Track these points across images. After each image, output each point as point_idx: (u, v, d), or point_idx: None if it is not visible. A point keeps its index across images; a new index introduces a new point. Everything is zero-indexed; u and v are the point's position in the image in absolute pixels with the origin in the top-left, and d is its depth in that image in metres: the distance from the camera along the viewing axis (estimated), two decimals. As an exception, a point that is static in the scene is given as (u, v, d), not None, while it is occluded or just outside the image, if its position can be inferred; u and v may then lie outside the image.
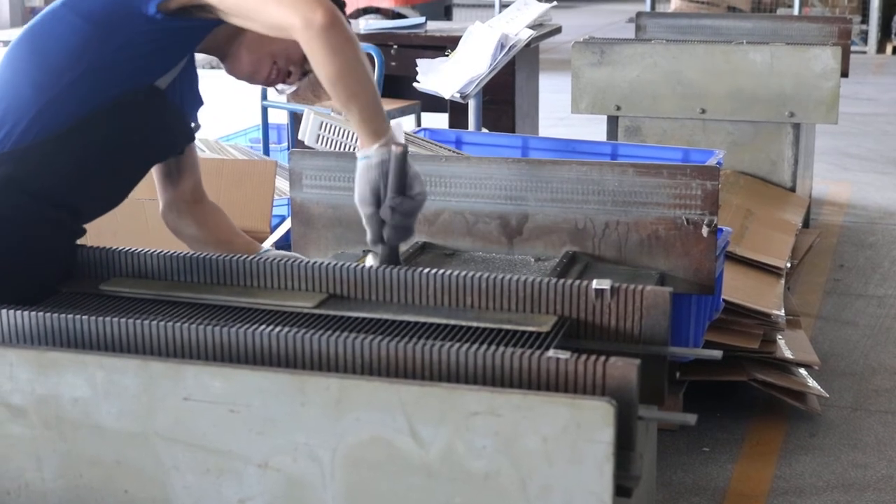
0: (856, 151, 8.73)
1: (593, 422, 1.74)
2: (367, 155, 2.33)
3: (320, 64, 2.26)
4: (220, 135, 7.06)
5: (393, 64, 7.00)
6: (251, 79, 2.56)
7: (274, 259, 2.38)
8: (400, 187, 2.33)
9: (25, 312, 2.10)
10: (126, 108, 2.37)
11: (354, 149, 3.77)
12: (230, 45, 2.50)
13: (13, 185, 2.30)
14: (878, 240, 6.51)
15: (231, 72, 2.56)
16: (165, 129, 2.49)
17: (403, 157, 2.33)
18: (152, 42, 2.35)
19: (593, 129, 7.16)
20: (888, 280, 5.82)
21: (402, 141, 2.38)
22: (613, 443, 1.74)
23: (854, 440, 4.10)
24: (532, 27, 5.89)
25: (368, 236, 2.39)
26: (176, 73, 2.46)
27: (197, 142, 6.61)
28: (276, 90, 2.63)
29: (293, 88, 2.57)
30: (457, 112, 6.81)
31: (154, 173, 2.69)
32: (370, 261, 2.45)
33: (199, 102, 2.60)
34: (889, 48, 14.32)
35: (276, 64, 2.52)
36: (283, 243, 3.88)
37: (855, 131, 9.29)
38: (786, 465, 3.92)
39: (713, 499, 3.71)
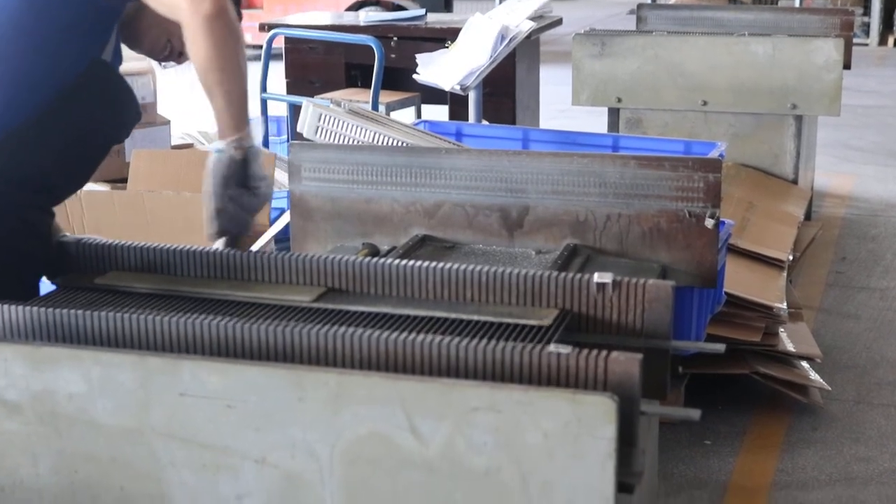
0: (858, 144, 8.71)
1: (595, 417, 1.71)
2: (220, 149, 2.37)
3: (195, 49, 2.31)
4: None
5: (393, 56, 6.97)
6: (148, 53, 2.62)
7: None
8: (242, 182, 2.38)
9: (20, 307, 2.08)
10: (86, 88, 2.40)
11: (354, 141, 3.75)
12: (135, 19, 2.54)
13: None
14: (880, 232, 6.48)
15: (129, 43, 2.60)
16: (124, 107, 2.53)
17: (250, 157, 2.38)
18: (91, 18, 2.40)
19: (594, 121, 7.14)
20: (890, 272, 5.80)
21: (259, 141, 2.42)
22: (616, 439, 1.71)
23: (857, 433, 4.08)
24: (533, 19, 5.86)
25: (208, 228, 2.42)
26: (113, 42, 2.50)
27: (196, 135, 6.59)
28: (161, 65, 2.68)
29: (175, 66, 2.65)
30: (457, 104, 6.79)
31: None
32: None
33: (120, 61, 2.62)
34: (891, 40, 14.28)
35: (171, 42, 2.57)
36: (283, 236, 3.86)
37: (857, 123, 9.26)
38: (788, 459, 3.90)
39: (715, 492, 3.69)
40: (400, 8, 11.78)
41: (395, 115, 6.27)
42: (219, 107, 2.35)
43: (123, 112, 2.53)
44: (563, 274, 2.22)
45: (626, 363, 1.82)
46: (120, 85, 2.50)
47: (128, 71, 2.93)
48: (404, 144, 3.61)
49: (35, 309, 2.08)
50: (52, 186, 2.44)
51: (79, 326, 2.06)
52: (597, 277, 2.18)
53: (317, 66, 7.49)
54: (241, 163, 2.36)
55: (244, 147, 2.36)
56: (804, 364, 4.38)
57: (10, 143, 2.33)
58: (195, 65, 2.34)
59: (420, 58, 5.47)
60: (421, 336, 1.93)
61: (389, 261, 2.31)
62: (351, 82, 7.42)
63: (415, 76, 5.48)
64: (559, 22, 7.27)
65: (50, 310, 2.08)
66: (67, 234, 2.63)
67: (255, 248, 3.59)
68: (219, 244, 2.44)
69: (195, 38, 2.28)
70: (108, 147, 2.56)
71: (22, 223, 2.38)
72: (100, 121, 2.47)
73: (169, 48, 2.57)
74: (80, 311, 2.06)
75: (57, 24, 2.36)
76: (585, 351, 1.85)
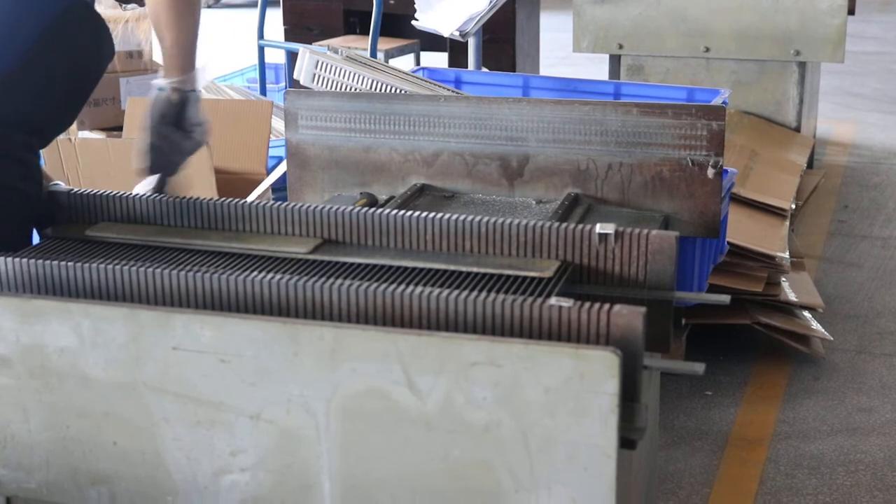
0: (860, 91, 8.64)
1: (597, 372, 1.67)
2: (161, 87, 2.41)
3: None
4: (217, 75, 6.96)
5: (391, 2, 6.89)
6: None
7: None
8: (177, 123, 2.41)
9: (9, 258, 2.03)
10: (70, 29, 2.38)
11: (351, 88, 3.69)
12: None
13: None
14: (882, 180, 6.44)
15: None
16: (103, 46, 2.51)
17: (188, 100, 2.41)
18: None
19: (595, 68, 7.07)
20: (893, 221, 5.76)
21: (201, 86, 2.48)
22: (618, 394, 1.67)
23: (858, 383, 4.06)
24: (533, -37, 5.79)
25: (137, 162, 2.45)
26: None
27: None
28: (122, 7, 2.67)
29: (136, 8, 2.62)
30: (456, 51, 6.72)
31: None
32: (140, 188, 2.51)
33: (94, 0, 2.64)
34: (894, -15, 14.16)
35: None
36: (280, 185, 3.82)
37: (859, 70, 9.19)
38: (789, 409, 3.88)
39: (716, 443, 3.67)
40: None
41: (393, 62, 6.20)
42: (166, 47, 2.38)
43: (102, 48, 2.51)
44: (564, 224, 2.17)
45: (629, 316, 1.78)
46: (98, 22, 2.48)
47: (121, 17, 2.89)
48: (403, 92, 3.55)
49: (24, 260, 2.03)
50: (42, 127, 2.42)
51: (69, 278, 2.01)
52: (599, 228, 2.13)
53: (315, 12, 7.41)
54: (177, 104, 2.39)
55: (184, 90, 2.39)
56: (806, 314, 4.36)
57: (8, 84, 2.30)
58: (148, 3, 2.35)
59: (419, 3, 5.40)
60: (419, 288, 1.88)
61: (387, 211, 2.26)
62: (349, 29, 7.34)
63: (413, 22, 5.41)
64: (559, -33, 7.19)
65: (39, 261, 2.03)
66: (60, 183, 2.59)
67: (251, 197, 3.55)
68: (146, 182, 2.45)
69: None
70: (93, 84, 2.54)
71: (20, 164, 2.35)
72: (85, 58, 2.45)
73: None
74: (69, 263, 2.02)
75: None
76: (587, 304, 1.81)
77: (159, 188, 2.46)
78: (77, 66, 2.43)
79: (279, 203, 2.33)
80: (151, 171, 2.43)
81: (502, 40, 6.83)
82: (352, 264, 2.18)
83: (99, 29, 2.46)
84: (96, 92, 2.63)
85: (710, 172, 2.69)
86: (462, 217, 2.21)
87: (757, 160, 5.24)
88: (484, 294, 1.86)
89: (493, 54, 6.61)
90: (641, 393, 1.80)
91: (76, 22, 2.39)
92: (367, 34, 6.33)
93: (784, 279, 4.35)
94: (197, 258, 2.20)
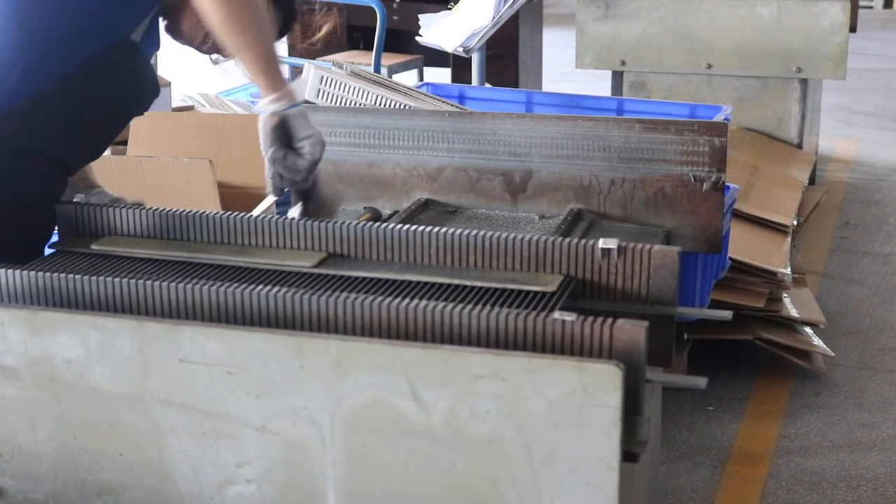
0: (862, 108, 8.66)
1: (600, 386, 1.69)
2: (261, 111, 2.34)
3: (207, 18, 2.25)
4: (221, 90, 6.99)
5: (395, 18, 6.92)
6: (188, 43, 2.54)
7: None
8: (286, 142, 2.33)
9: (17, 271, 2.05)
10: (109, 66, 2.34)
11: (355, 104, 3.72)
12: (177, 8, 2.47)
13: (8, 144, 2.28)
14: (884, 197, 6.45)
15: (170, 32, 2.53)
16: (141, 84, 2.47)
17: (288, 116, 2.32)
18: None
19: (597, 84, 7.09)
20: (894, 237, 5.77)
21: (303, 98, 2.38)
22: (621, 407, 1.69)
23: (859, 399, 4.06)
24: (536, -20, 5.82)
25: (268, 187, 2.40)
26: (147, 24, 2.42)
27: (198, 96, 6.57)
28: (211, 59, 2.62)
29: (228, 60, 2.54)
30: (460, 67, 6.75)
31: None
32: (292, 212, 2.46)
33: (157, 47, 2.57)
34: (896, 3, 14.21)
35: (209, 35, 2.45)
36: (285, 199, 3.83)
37: (861, 87, 9.22)
38: (791, 425, 3.88)
39: (717, 458, 3.68)
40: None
41: (397, 77, 6.23)
42: (249, 70, 2.31)
43: (144, 90, 2.47)
44: (567, 239, 2.19)
45: (631, 331, 1.80)
46: (141, 63, 2.43)
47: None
48: (407, 107, 3.57)
49: (32, 273, 2.05)
50: (65, 158, 2.39)
51: (76, 291, 2.03)
52: (602, 243, 2.14)
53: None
54: (279, 124, 2.32)
55: (280, 108, 2.31)
56: (807, 330, 4.37)
57: (26, 114, 2.28)
58: (213, 33, 2.30)
59: (423, 19, 5.43)
60: (423, 302, 1.90)
61: (391, 225, 2.28)
62: (353, 44, 7.37)
63: (417, 38, 5.44)
64: (562, -17, 7.22)
65: (47, 274, 2.05)
66: (106, 190, 2.59)
67: (256, 211, 3.57)
68: (294, 210, 2.41)
69: (203, 7, 2.25)
70: (125, 122, 2.52)
71: (41, 192, 2.36)
72: (120, 97, 2.41)
73: (212, 39, 2.44)
74: (77, 276, 2.03)
75: None
76: (591, 318, 1.82)
77: (303, 200, 2.42)
78: (110, 105, 2.39)
79: (284, 217, 2.35)
80: (278, 195, 2.39)
81: (505, 56, 6.86)
82: (356, 278, 2.20)
83: (139, 70, 2.42)
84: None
85: (712, 188, 2.71)
86: (466, 232, 2.23)
87: (759, 176, 5.26)
88: (488, 308, 1.88)
89: (496, 70, 6.64)
90: (644, 406, 1.82)
91: (115, 61, 2.35)
92: (371, 50, 6.36)
93: (785, 295, 4.36)
94: (202, 271, 2.22)
